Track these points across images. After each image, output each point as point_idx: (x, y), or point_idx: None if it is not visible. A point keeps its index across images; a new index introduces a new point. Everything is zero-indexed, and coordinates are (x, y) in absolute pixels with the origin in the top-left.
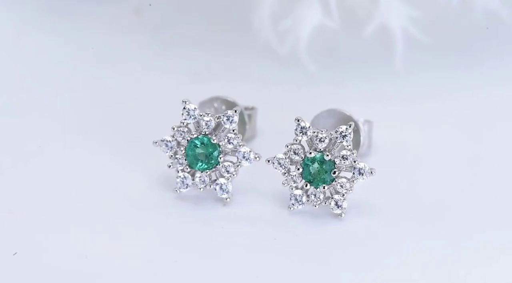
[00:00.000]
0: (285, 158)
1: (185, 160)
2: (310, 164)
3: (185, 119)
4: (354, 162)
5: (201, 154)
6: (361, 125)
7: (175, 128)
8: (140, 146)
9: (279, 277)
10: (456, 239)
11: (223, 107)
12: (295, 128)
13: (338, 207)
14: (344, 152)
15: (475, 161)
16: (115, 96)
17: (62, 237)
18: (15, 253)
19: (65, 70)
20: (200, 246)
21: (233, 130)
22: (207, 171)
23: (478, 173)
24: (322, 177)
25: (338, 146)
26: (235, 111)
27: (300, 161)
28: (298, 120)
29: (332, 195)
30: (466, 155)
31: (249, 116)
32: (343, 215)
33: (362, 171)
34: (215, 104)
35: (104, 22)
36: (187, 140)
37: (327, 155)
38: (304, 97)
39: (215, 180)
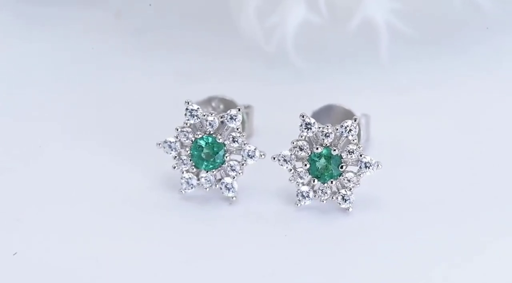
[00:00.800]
0: (291, 154)
1: (190, 160)
2: (317, 159)
3: (188, 119)
4: (361, 155)
5: (207, 153)
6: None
7: (179, 129)
8: (139, 147)
9: (294, 273)
10: (461, 230)
11: (221, 106)
12: (300, 124)
13: (345, 201)
14: (350, 146)
15: (471, 150)
16: (102, 99)
17: (65, 238)
18: (15, 253)
19: (51, 74)
20: (211, 245)
21: (237, 129)
22: (213, 170)
23: (476, 162)
24: (329, 172)
25: (343, 141)
26: (239, 109)
27: (307, 156)
28: (303, 116)
29: (339, 190)
30: (461, 144)
31: (247, 114)
32: (350, 209)
33: (368, 165)
34: (213, 104)
35: (85, 26)
36: (192, 140)
37: (334, 150)
38: (294, 93)
39: (220, 179)
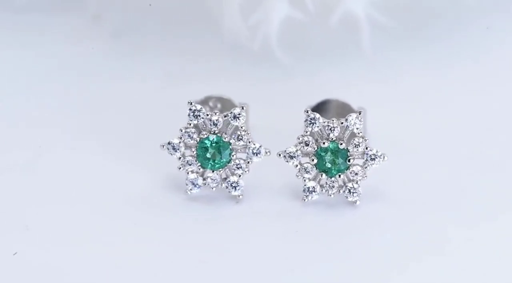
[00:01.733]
0: (297, 150)
1: (196, 160)
2: (323, 154)
3: (192, 120)
4: (366, 148)
5: (213, 153)
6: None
7: (183, 130)
8: (138, 148)
9: (312, 269)
10: (468, 219)
11: (218, 105)
12: (304, 119)
13: (353, 194)
14: (356, 139)
15: (462, 136)
16: (91, 103)
17: (74, 240)
18: (15, 253)
19: (35, 80)
20: (224, 245)
21: (242, 127)
22: (220, 169)
23: (466, 148)
24: (337, 166)
25: (348, 134)
26: (242, 108)
27: (313, 151)
28: (307, 112)
29: (346, 183)
30: (449, 132)
31: None
32: (358, 202)
33: (374, 157)
34: (210, 103)
35: (64, 31)
36: (197, 140)
37: (341, 144)
38: (281, 90)
39: (225, 178)
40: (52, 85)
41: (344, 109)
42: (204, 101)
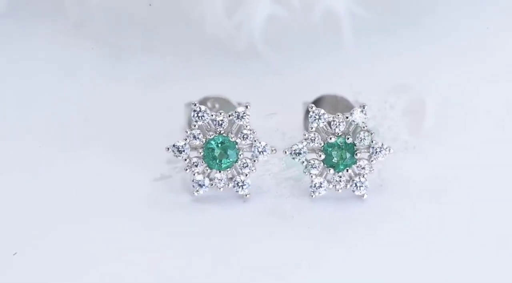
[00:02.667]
0: (303, 146)
1: (203, 161)
2: (331, 149)
3: (196, 121)
4: (372, 141)
5: (220, 153)
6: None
7: (188, 132)
8: (139, 150)
9: (335, 262)
10: (473, 211)
11: (216, 105)
12: (309, 115)
13: (360, 188)
14: (362, 134)
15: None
16: (79, 107)
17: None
18: (15, 253)
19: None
20: (239, 244)
21: (247, 126)
22: (228, 169)
23: (463, 138)
24: (344, 161)
25: (353, 128)
26: (246, 107)
27: (320, 147)
28: (312, 108)
29: (353, 177)
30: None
31: None
32: (365, 195)
33: (380, 150)
34: (208, 104)
35: (46, 36)
36: (203, 141)
37: (348, 138)
38: (267, 86)
39: (231, 178)
40: (37, 89)
41: (342, 104)
42: (202, 102)
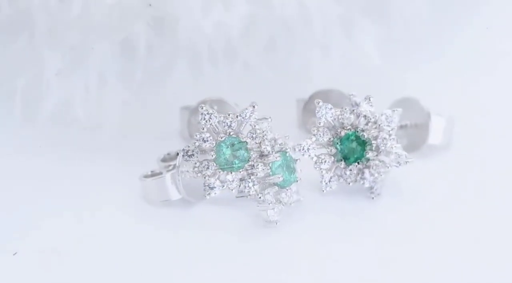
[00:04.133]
0: (313, 142)
1: (215, 163)
2: (340, 143)
3: (205, 124)
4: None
5: (232, 154)
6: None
7: (198, 136)
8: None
9: (353, 259)
10: (484, 210)
11: (215, 107)
12: (317, 111)
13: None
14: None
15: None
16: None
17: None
18: (15, 253)
19: None
20: (252, 243)
21: (255, 126)
22: (240, 170)
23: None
24: (355, 154)
25: (360, 121)
26: (254, 106)
27: (330, 141)
28: (319, 103)
29: (364, 174)
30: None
31: None
32: (375, 196)
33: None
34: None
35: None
36: (213, 144)
37: (357, 132)
38: (249, 86)
39: (242, 178)
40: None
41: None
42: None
